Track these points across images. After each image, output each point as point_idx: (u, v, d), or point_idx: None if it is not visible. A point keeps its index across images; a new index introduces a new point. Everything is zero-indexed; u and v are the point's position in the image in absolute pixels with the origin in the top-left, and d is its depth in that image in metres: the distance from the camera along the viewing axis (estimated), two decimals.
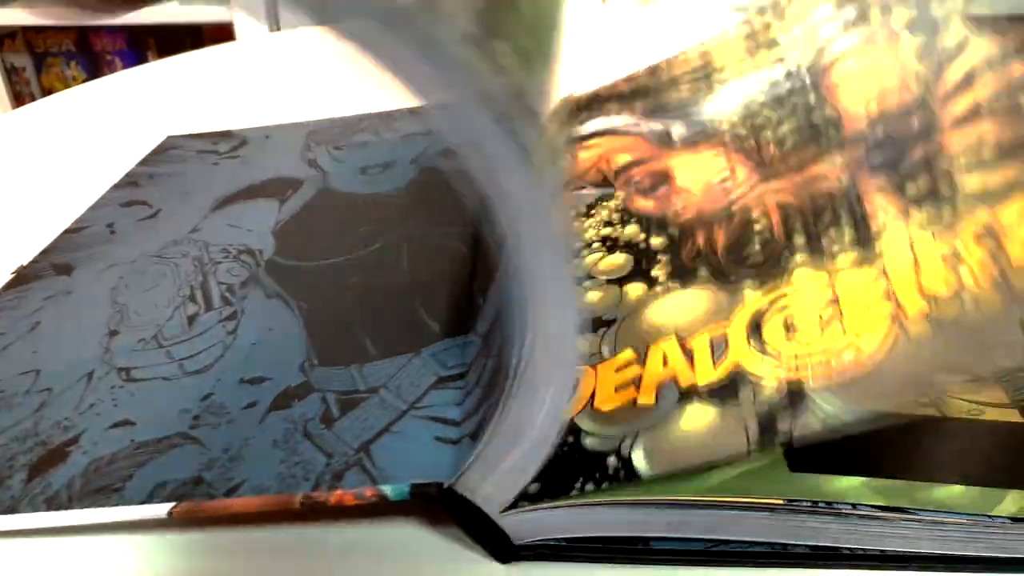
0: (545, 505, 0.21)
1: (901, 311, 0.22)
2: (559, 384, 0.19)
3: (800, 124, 0.32)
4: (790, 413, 0.21)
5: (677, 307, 0.27)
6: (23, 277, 0.36)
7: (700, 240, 0.30)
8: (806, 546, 0.22)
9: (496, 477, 0.21)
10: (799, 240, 0.27)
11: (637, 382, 0.24)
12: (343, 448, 0.24)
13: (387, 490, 0.22)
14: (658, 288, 0.28)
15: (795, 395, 0.22)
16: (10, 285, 0.35)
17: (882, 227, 0.25)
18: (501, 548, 0.22)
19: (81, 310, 0.33)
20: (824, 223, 0.27)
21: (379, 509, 0.23)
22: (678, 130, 0.36)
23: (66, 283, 0.35)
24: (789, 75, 0.34)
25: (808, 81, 0.33)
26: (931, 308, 0.22)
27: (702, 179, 0.33)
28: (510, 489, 0.21)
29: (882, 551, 0.21)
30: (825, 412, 0.21)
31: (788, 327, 0.24)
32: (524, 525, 0.22)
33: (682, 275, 0.28)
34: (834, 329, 0.23)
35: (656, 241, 0.30)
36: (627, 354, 0.25)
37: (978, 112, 0.25)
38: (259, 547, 0.23)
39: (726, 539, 0.22)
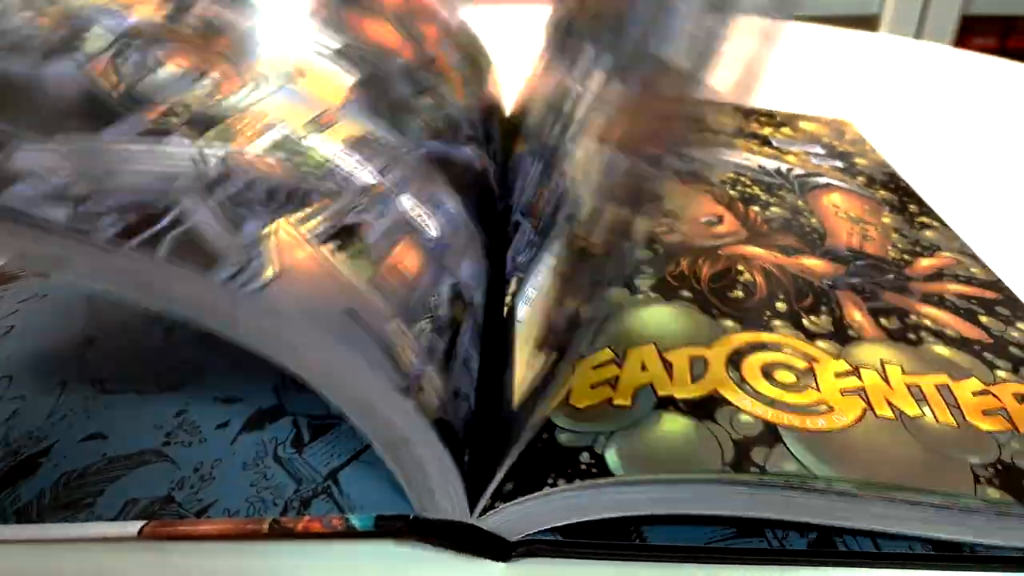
0: (524, 499, 0.22)
1: (871, 409, 0.24)
2: None
3: (787, 216, 0.33)
4: (766, 448, 0.22)
5: (658, 318, 0.28)
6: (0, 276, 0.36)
7: (684, 265, 0.31)
8: (803, 542, 0.23)
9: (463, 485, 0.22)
10: (781, 307, 0.28)
11: (614, 382, 0.25)
12: (312, 475, 0.25)
13: (353, 520, 0.23)
14: (640, 296, 0.29)
15: (771, 434, 0.23)
16: None
17: (858, 336, 0.27)
18: (495, 548, 0.23)
19: (58, 315, 0.33)
20: (806, 305, 0.28)
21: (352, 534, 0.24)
22: (673, 160, 0.37)
23: (42, 286, 0.35)
24: (779, 173, 0.36)
25: (797, 187, 0.34)
26: (897, 417, 0.23)
27: (691, 212, 0.34)
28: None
29: (878, 550, 0.23)
30: (798, 461, 0.22)
31: (766, 373, 0.25)
32: (511, 521, 0.23)
33: (664, 291, 0.29)
34: (810, 391, 0.25)
35: (641, 253, 0.31)
36: (605, 353, 0.26)
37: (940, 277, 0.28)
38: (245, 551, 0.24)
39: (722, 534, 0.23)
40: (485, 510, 0.22)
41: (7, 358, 0.30)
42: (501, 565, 0.23)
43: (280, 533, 0.23)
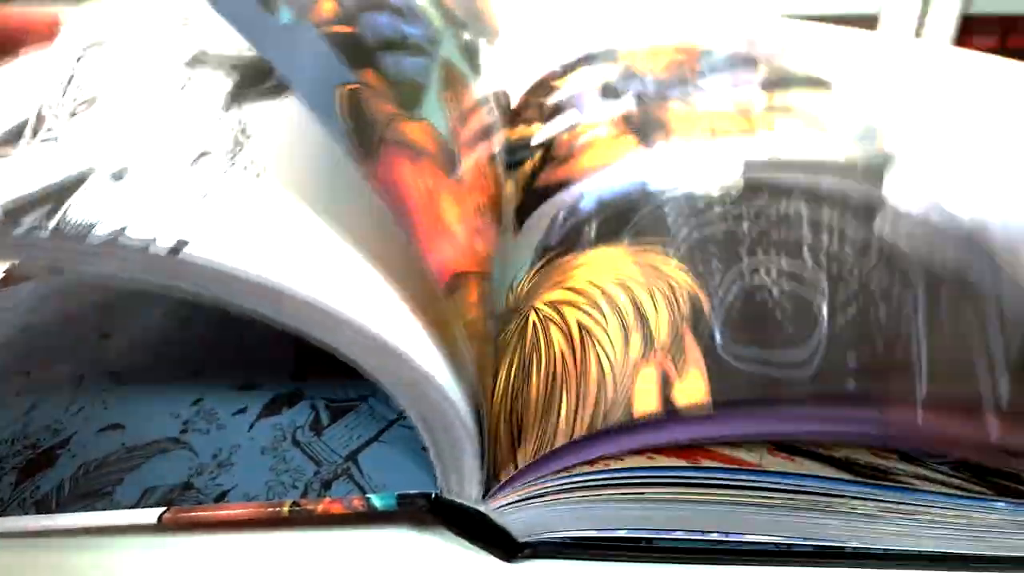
0: (541, 501, 0.22)
1: None
2: None
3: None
4: None
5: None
6: (15, 276, 0.36)
7: None
8: (809, 544, 0.22)
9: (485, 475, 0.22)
10: None
11: None
12: (332, 457, 0.24)
13: (375, 500, 0.23)
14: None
15: None
16: (2, 283, 0.35)
17: None
18: (504, 546, 0.23)
19: (72, 311, 0.33)
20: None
21: (370, 516, 0.24)
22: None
23: (56, 283, 0.35)
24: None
25: None
26: None
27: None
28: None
29: (885, 550, 0.22)
30: None
31: None
32: (524, 522, 0.22)
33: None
34: None
35: None
36: None
37: None
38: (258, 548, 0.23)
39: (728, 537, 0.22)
40: (509, 504, 0.22)
41: (25, 354, 0.30)
42: (505, 565, 0.23)
43: (301, 516, 0.23)
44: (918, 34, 1.36)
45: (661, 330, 0.23)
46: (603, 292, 0.26)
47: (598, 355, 0.23)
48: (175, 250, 0.18)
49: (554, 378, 0.23)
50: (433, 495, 0.23)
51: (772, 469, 0.21)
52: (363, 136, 0.21)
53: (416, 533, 0.23)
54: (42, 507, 0.24)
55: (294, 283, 0.18)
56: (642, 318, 0.24)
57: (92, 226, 0.18)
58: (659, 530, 0.22)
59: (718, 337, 0.23)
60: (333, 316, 0.19)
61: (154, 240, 0.18)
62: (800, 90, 0.40)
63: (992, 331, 0.23)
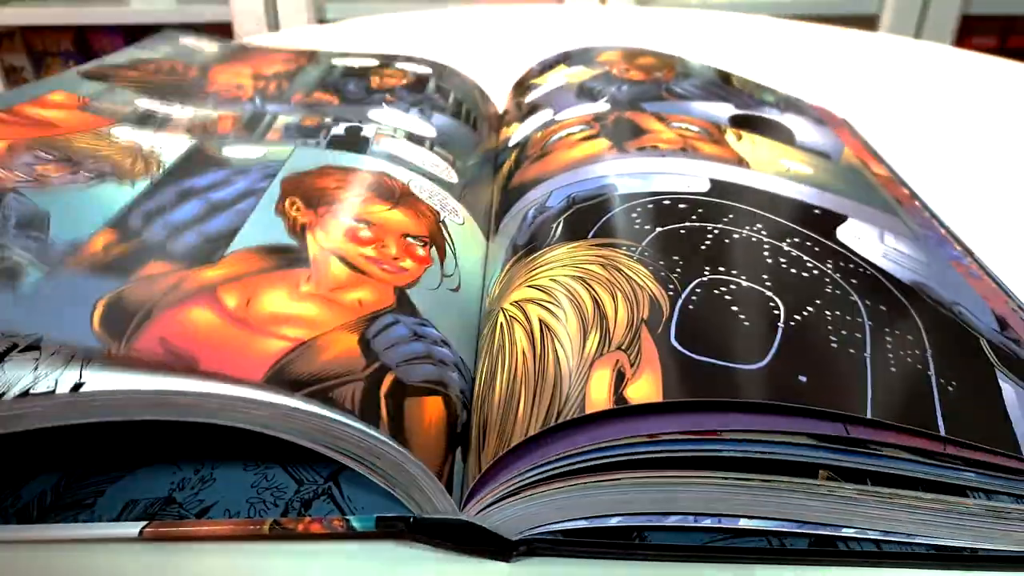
0: (518, 498, 0.22)
1: None
2: None
3: None
4: None
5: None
6: None
7: None
8: (804, 542, 0.23)
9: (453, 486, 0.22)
10: None
11: None
12: (313, 476, 0.25)
13: (354, 522, 0.23)
14: None
15: None
16: None
17: None
18: (497, 547, 0.23)
19: None
20: None
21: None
22: None
23: None
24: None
25: None
26: None
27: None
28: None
29: (878, 548, 0.23)
30: None
31: None
32: (512, 519, 0.23)
33: None
34: None
35: None
36: None
37: None
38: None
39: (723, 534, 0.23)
40: (486, 508, 0.22)
41: None
42: (503, 564, 0.23)
43: (281, 534, 0.23)
44: (918, 34, 1.38)
45: (619, 328, 0.24)
46: (565, 289, 0.26)
47: (556, 352, 0.24)
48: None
49: (515, 377, 0.24)
50: (411, 518, 0.23)
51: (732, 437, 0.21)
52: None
53: (400, 548, 0.24)
54: (23, 517, 0.24)
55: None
56: (602, 316, 0.25)
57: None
58: (649, 515, 0.23)
59: (675, 339, 0.23)
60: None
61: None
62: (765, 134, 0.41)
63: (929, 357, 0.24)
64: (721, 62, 0.54)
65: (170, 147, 0.33)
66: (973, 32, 1.49)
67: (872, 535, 0.23)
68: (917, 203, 0.37)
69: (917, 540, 0.23)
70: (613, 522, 0.23)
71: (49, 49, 1.60)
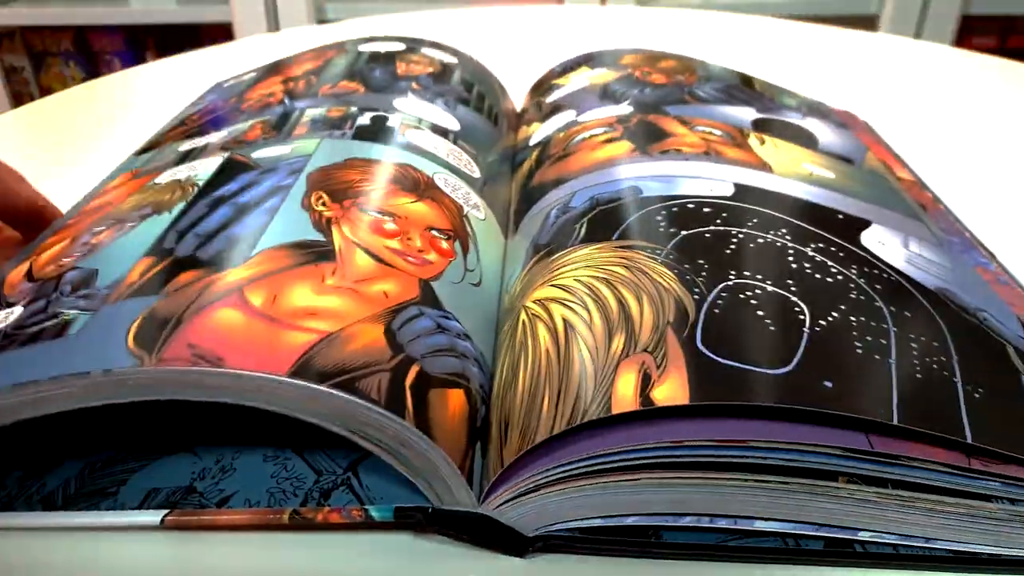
0: (537, 495, 0.22)
1: None
2: None
3: None
4: None
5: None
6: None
7: None
8: (818, 539, 0.23)
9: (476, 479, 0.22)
10: None
11: None
12: (332, 466, 0.25)
13: (372, 512, 0.23)
14: None
15: None
16: None
17: None
18: (514, 542, 0.23)
19: None
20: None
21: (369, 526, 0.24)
22: None
23: None
24: None
25: None
26: None
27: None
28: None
29: (897, 550, 0.23)
30: None
31: None
32: (529, 515, 0.23)
33: None
34: None
35: None
36: None
37: None
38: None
39: (736, 532, 0.23)
40: (505, 503, 0.22)
41: None
42: (518, 560, 0.23)
43: (301, 524, 0.24)
44: (918, 34, 1.37)
45: (645, 330, 0.24)
46: (590, 289, 0.26)
47: (581, 351, 0.24)
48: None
49: (538, 375, 0.24)
50: (430, 508, 0.23)
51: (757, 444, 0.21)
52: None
53: (417, 540, 0.24)
54: (48, 504, 0.24)
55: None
56: (627, 317, 0.25)
57: None
58: (665, 515, 0.23)
59: (700, 343, 0.23)
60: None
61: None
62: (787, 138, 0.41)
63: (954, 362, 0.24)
64: (721, 63, 0.54)
65: (205, 168, 0.34)
66: (973, 32, 1.48)
67: (890, 538, 0.22)
68: (941, 207, 0.36)
69: (936, 545, 0.22)
70: (629, 521, 0.23)
71: (49, 49, 1.62)
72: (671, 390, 0.21)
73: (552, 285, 0.28)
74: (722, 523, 0.22)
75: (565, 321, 0.25)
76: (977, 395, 0.23)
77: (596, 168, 0.35)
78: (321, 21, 1.44)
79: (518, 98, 0.53)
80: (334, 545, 0.24)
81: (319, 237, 0.28)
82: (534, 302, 0.27)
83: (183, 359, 0.21)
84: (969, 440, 0.21)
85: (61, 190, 0.46)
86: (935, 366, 0.24)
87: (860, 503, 0.22)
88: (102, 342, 0.23)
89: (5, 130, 0.56)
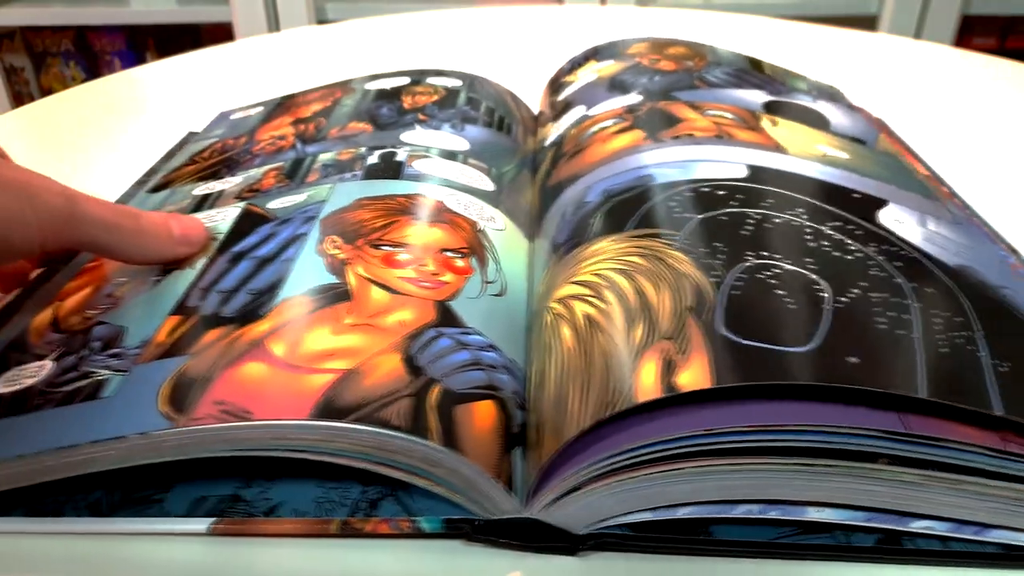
0: (580, 493, 0.22)
1: None
2: None
3: None
4: None
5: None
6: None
7: None
8: (871, 539, 0.23)
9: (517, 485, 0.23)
10: None
11: None
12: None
13: (422, 523, 0.24)
14: None
15: None
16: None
17: None
18: (564, 542, 0.23)
19: None
20: None
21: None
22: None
23: None
24: None
25: None
26: None
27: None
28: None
29: (946, 547, 0.23)
30: None
31: None
32: (574, 516, 0.23)
33: None
34: None
35: None
36: None
37: None
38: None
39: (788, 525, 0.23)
40: (549, 504, 0.23)
41: None
42: (571, 559, 0.23)
43: (349, 534, 0.24)
44: (918, 34, 1.38)
45: (665, 318, 0.24)
46: (608, 282, 0.27)
47: (602, 345, 0.24)
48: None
49: (564, 374, 0.24)
50: (477, 520, 0.23)
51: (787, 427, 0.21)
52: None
53: (467, 546, 0.24)
54: (95, 510, 0.24)
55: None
56: (646, 306, 0.25)
57: None
58: (713, 504, 0.22)
59: (722, 325, 0.23)
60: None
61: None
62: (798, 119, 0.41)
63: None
64: None
65: (222, 219, 0.34)
66: (973, 32, 1.49)
67: (941, 530, 0.23)
68: (958, 201, 0.37)
69: (990, 537, 0.22)
70: (680, 514, 0.23)
71: (49, 49, 1.61)
72: (694, 375, 0.21)
73: (572, 282, 0.28)
74: (773, 513, 0.22)
75: (586, 316, 0.26)
76: (1004, 369, 0.23)
77: (609, 160, 0.36)
78: (321, 21, 1.44)
79: (526, 99, 0.54)
80: (381, 547, 0.24)
81: (334, 280, 0.28)
82: (556, 302, 0.28)
83: (212, 416, 0.22)
84: (1000, 414, 0.21)
85: None
86: (959, 340, 0.24)
87: (905, 485, 0.22)
88: (136, 404, 0.24)
89: (5, 130, 0.56)
